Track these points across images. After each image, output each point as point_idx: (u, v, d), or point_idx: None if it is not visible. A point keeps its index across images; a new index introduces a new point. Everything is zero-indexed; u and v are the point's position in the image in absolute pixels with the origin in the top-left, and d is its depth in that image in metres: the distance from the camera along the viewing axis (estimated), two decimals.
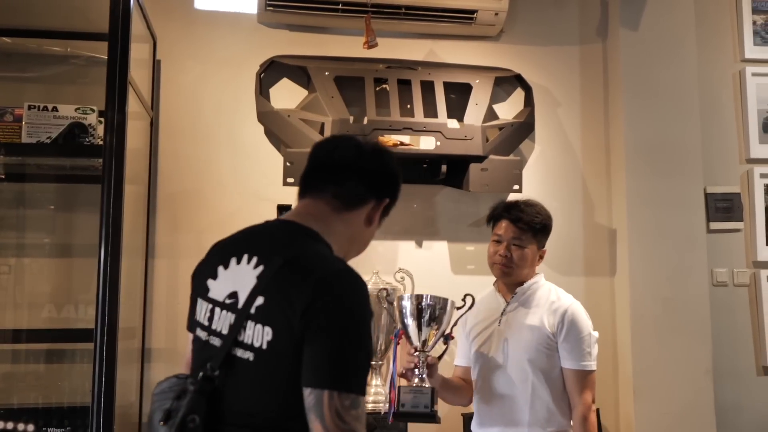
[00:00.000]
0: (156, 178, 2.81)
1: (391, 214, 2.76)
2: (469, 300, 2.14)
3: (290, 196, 2.83)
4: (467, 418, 2.62)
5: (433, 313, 2.04)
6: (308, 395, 1.13)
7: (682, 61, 3.03)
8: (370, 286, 2.66)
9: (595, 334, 2.06)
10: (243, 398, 1.20)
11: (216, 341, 1.25)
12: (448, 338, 2.14)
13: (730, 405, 3.00)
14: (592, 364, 2.03)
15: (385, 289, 2.65)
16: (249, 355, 1.20)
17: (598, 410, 2.76)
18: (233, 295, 1.25)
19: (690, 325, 2.90)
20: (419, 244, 2.96)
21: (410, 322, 2.04)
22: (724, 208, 3.12)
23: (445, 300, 2.08)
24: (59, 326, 2.63)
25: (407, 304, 2.07)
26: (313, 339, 1.13)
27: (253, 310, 1.21)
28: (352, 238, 1.35)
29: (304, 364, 1.14)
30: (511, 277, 2.13)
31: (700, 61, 3.08)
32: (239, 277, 1.26)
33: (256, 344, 1.19)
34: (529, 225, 2.14)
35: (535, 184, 3.03)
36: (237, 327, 1.21)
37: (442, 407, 2.44)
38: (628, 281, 2.90)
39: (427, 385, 2.00)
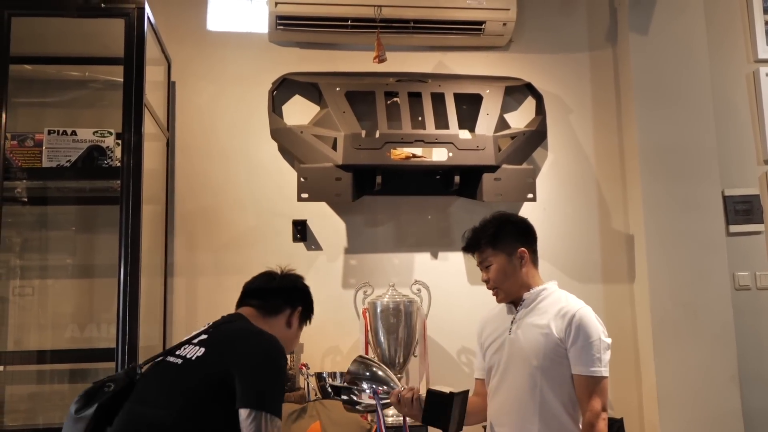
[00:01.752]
0: (173, 197, 2.85)
1: (405, 226, 2.80)
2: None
3: (305, 211, 2.88)
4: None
5: (373, 371, 2.04)
6: (246, 415, 1.53)
7: (694, 63, 3.01)
8: (386, 299, 2.68)
9: (608, 340, 1.97)
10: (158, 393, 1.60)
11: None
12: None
13: (759, 411, 2.94)
14: (602, 370, 1.91)
15: (402, 301, 2.66)
16: (177, 360, 1.64)
17: (621, 420, 2.73)
18: (186, 341, 1.73)
19: (713, 330, 2.85)
20: (435, 256, 2.96)
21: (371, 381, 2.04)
22: (744, 210, 3.07)
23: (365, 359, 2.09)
24: (82, 346, 2.67)
25: (359, 374, 2.06)
26: (241, 373, 1.56)
27: (195, 341, 1.69)
28: (280, 337, 1.74)
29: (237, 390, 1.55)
30: (504, 297, 2.08)
31: (713, 63, 3.06)
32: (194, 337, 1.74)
33: (188, 356, 1.63)
34: (480, 242, 2.07)
35: (549, 192, 3.03)
36: (178, 347, 1.70)
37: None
38: (648, 287, 2.87)
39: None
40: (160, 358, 1.70)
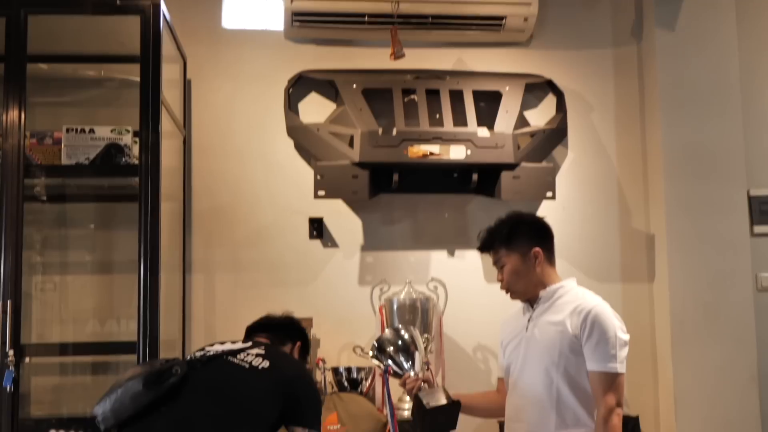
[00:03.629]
0: (190, 194, 2.87)
1: (422, 224, 2.91)
2: (428, 339, 2.45)
3: (321, 208, 2.88)
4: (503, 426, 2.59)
5: (406, 344, 2.11)
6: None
7: (723, 60, 2.93)
8: (402, 296, 2.69)
9: (625, 336, 1.94)
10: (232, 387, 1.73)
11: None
12: (428, 365, 2.19)
13: None
14: (617, 367, 1.90)
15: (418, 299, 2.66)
16: (244, 364, 1.76)
17: (637, 418, 2.71)
18: (240, 349, 1.86)
19: (733, 331, 2.81)
20: (451, 254, 2.95)
21: (395, 354, 2.11)
22: None
23: (408, 329, 2.13)
24: (103, 339, 2.71)
25: (387, 342, 2.13)
26: (303, 394, 1.79)
27: (253, 351, 1.82)
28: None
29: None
30: (519, 296, 2.09)
31: (742, 60, 2.97)
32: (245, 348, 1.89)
33: (254, 364, 1.76)
34: (494, 242, 2.07)
35: (568, 191, 2.99)
36: (233, 352, 1.81)
37: (475, 420, 2.45)
38: (668, 287, 2.84)
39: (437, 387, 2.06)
40: (217, 354, 1.80)
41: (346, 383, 2.65)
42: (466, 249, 2.94)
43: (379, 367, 2.11)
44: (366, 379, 2.66)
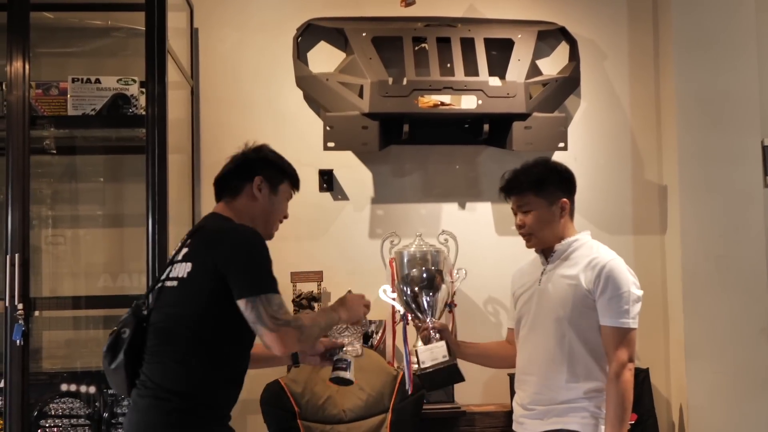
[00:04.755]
0: (199, 146, 2.84)
1: (432, 176, 2.72)
2: (462, 273, 2.25)
3: (332, 160, 2.84)
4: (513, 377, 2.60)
5: (430, 283, 2.07)
6: (244, 307, 1.56)
7: (738, 6, 2.86)
8: (413, 249, 2.66)
9: (639, 292, 1.93)
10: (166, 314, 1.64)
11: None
12: (451, 306, 2.13)
13: None
14: (630, 322, 1.88)
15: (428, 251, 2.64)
16: (174, 282, 1.65)
17: (647, 370, 2.73)
18: (172, 261, 1.74)
19: (745, 283, 2.81)
20: (462, 206, 2.92)
21: (413, 301, 2.08)
22: None
23: (437, 270, 2.11)
24: (114, 293, 2.71)
25: (406, 276, 2.11)
26: (227, 270, 1.59)
27: (179, 257, 1.68)
28: (250, 216, 1.75)
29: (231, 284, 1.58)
30: (537, 244, 2.05)
31: (758, 6, 2.90)
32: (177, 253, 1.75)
33: (180, 275, 1.64)
34: (523, 186, 2.00)
35: (581, 142, 2.95)
36: (171, 268, 1.69)
37: (487, 371, 2.46)
38: (680, 239, 2.81)
39: (438, 341, 2.05)
40: (159, 285, 1.71)
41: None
42: (477, 201, 2.91)
43: (398, 312, 2.11)
44: (377, 333, 2.67)
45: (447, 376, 2.04)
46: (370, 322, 2.66)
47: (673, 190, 2.89)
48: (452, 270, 2.75)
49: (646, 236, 2.97)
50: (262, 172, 1.78)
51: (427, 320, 2.08)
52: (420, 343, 2.15)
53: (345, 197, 2.88)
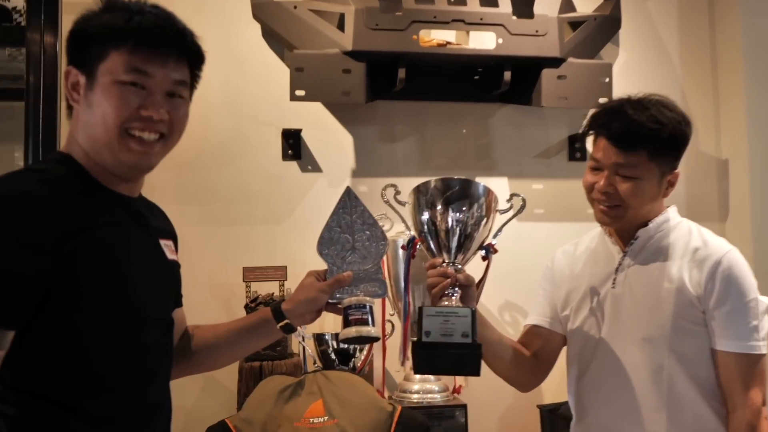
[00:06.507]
0: None
1: (432, 141, 2.27)
2: (517, 201, 1.49)
3: (299, 118, 2.20)
4: (548, 413, 1.96)
5: (463, 198, 1.36)
6: None
7: None
8: (407, 238, 2.01)
9: (765, 299, 1.42)
10: None
11: None
12: (489, 250, 1.43)
13: None
14: (761, 346, 1.38)
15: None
16: None
17: None
18: None
19: None
20: None
21: (431, 224, 1.35)
22: None
23: (484, 187, 1.40)
24: None
25: (426, 195, 1.40)
26: None
27: None
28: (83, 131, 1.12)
29: None
30: (618, 222, 1.45)
31: None
32: None
33: None
34: (643, 140, 1.38)
35: None
36: None
37: (505, 399, 1.82)
38: (750, 226, 2.31)
39: (461, 306, 1.31)
40: None
41: (334, 356, 1.99)
42: (491, 176, 2.31)
43: (405, 234, 1.39)
44: (361, 351, 2.00)
45: (460, 362, 1.28)
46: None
47: (737, 166, 2.39)
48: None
49: (701, 223, 2.40)
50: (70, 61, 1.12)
51: (447, 263, 1.35)
52: (426, 300, 1.43)
53: (317, 168, 2.26)
